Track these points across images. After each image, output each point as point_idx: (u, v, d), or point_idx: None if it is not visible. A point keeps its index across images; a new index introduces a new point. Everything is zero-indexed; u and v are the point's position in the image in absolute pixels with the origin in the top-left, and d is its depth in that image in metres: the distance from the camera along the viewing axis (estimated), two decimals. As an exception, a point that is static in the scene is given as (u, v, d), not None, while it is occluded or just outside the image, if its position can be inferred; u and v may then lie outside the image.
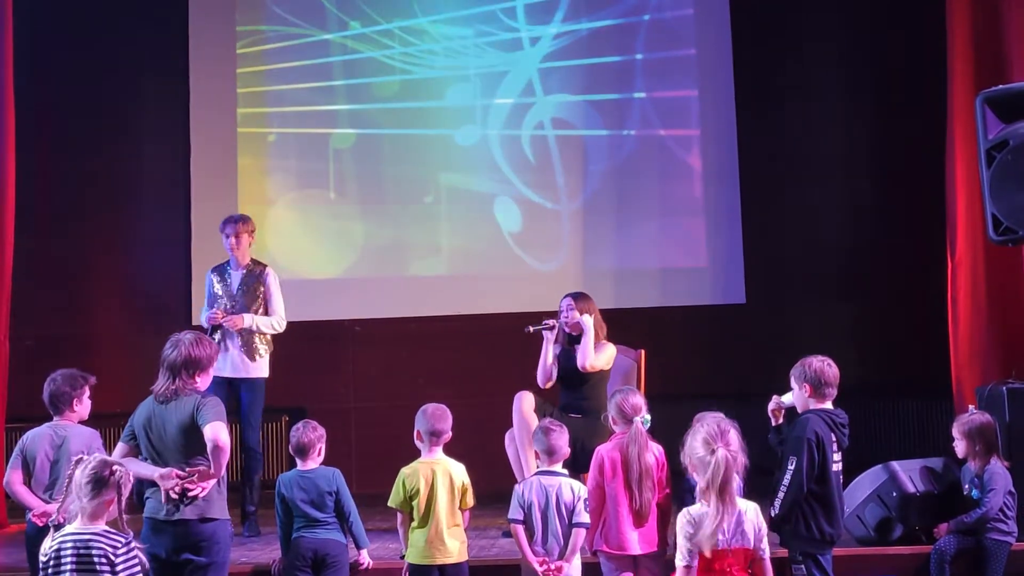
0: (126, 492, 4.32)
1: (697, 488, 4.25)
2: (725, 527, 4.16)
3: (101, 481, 4.23)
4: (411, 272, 9.77)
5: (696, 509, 4.23)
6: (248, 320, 7.33)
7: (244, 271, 7.45)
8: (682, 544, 4.19)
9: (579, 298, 6.96)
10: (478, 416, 7.34)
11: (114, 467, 4.29)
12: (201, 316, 7.46)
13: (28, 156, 9.46)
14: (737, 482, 4.24)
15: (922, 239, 8.69)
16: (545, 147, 9.73)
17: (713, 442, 4.17)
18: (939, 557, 5.75)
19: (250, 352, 7.33)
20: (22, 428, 5.81)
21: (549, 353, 6.93)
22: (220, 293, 7.42)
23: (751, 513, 4.26)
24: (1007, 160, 6.31)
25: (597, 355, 6.80)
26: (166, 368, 5.10)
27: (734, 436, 4.25)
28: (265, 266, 7.56)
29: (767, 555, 4.26)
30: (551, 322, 6.92)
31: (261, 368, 7.39)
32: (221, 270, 7.51)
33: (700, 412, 5.48)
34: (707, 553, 4.14)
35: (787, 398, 5.46)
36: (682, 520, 4.22)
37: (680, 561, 4.19)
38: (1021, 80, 6.95)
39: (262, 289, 7.45)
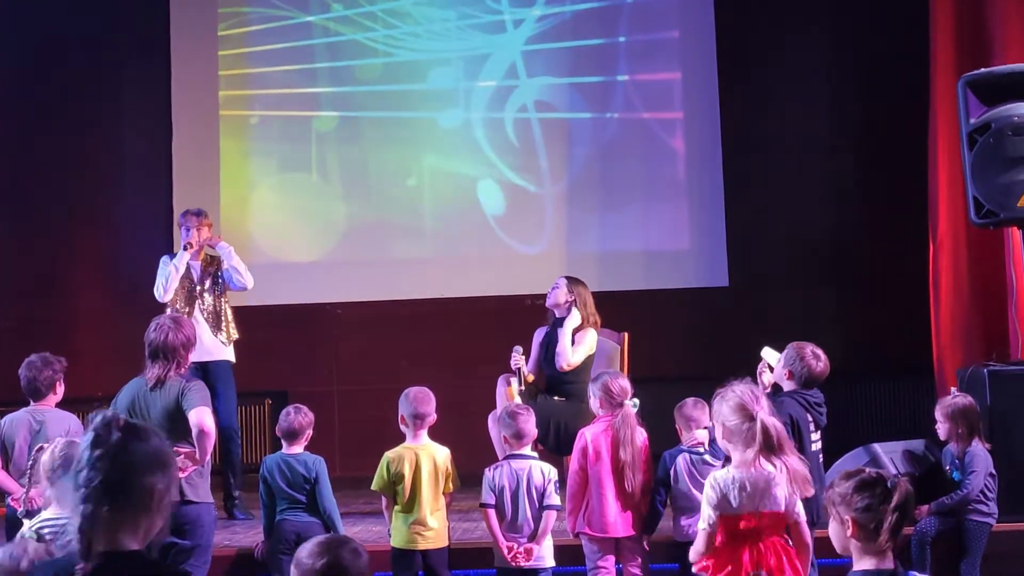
0: None
1: (733, 454, 4.27)
2: (751, 488, 4.19)
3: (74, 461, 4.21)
4: (394, 255, 9.74)
5: (722, 474, 4.26)
6: (226, 245, 7.31)
7: (201, 262, 7.39)
8: (705, 508, 4.22)
9: (571, 281, 6.99)
10: (462, 399, 7.36)
11: None
12: (156, 289, 7.28)
13: (7, 138, 9.43)
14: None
15: (904, 222, 8.71)
16: (528, 130, 9.71)
17: (750, 407, 4.22)
18: (920, 538, 5.78)
19: (222, 335, 7.30)
20: (3, 412, 5.79)
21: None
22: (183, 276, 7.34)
23: (780, 477, 4.28)
24: (989, 143, 6.34)
25: (576, 349, 6.81)
26: (153, 352, 5.11)
27: (766, 401, 4.32)
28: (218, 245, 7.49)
29: (803, 519, 4.30)
30: (517, 361, 6.89)
31: (231, 352, 7.36)
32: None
33: (686, 396, 5.57)
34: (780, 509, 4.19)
35: (770, 355, 5.52)
36: (708, 484, 4.26)
37: (702, 524, 4.23)
38: (1003, 64, 6.97)
39: (223, 264, 7.38)
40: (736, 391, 4.28)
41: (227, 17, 9.91)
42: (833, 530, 3.28)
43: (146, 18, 9.85)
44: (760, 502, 4.19)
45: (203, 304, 7.30)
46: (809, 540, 4.34)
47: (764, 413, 4.23)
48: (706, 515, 4.22)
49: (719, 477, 4.25)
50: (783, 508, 4.26)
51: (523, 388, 6.81)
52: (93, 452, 2.50)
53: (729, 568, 4.17)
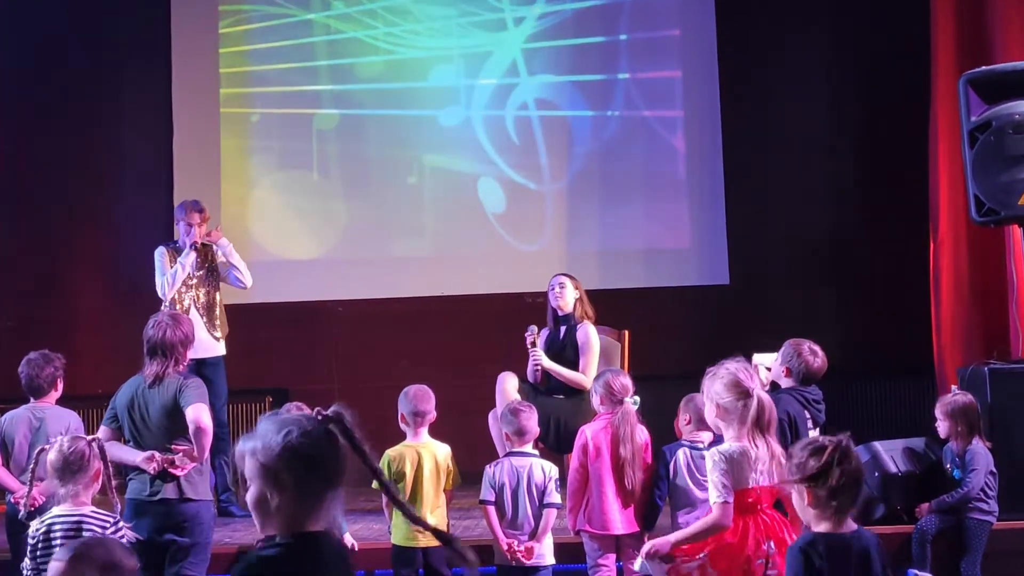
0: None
1: (727, 432, 4.23)
2: (762, 466, 4.16)
3: (82, 456, 4.22)
4: (394, 253, 9.74)
5: (726, 447, 4.20)
6: (226, 242, 7.33)
7: (197, 253, 7.40)
8: (717, 481, 4.14)
9: (572, 279, 6.97)
10: (462, 396, 7.35)
11: (89, 439, 4.30)
12: (161, 287, 7.33)
13: (8, 138, 9.43)
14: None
15: (905, 221, 8.70)
16: (529, 128, 9.71)
17: (746, 384, 4.18)
18: (920, 536, 5.79)
19: (213, 330, 7.29)
20: (3, 410, 5.79)
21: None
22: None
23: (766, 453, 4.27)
24: (990, 141, 6.34)
25: (587, 365, 6.73)
26: (151, 349, 5.10)
27: (758, 378, 4.29)
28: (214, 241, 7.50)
29: None
30: (532, 335, 6.86)
31: (223, 346, 7.36)
32: (176, 249, 7.38)
33: (686, 395, 5.56)
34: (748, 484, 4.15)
35: (764, 358, 5.51)
36: (713, 458, 4.19)
37: (717, 498, 4.14)
38: (1004, 62, 6.97)
39: (217, 257, 7.40)
40: (730, 368, 4.23)
41: (228, 15, 9.91)
42: (795, 501, 3.41)
43: (146, 17, 9.84)
44: (759, 476, 4.17)
45: (197, 298, 7.28)
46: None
47: (760, 390, 4.21)
48: (720, 486, 4.12)
49: (723, 451, 4.18)
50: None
51: (537, 359, 6.77)
52: (335, 451, 2.74)
53: (737, 539, 4.14)
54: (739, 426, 4.18)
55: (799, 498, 3.37)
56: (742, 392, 4.17)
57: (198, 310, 7.25)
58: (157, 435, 5.00)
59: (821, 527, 3.34)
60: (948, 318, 7.80)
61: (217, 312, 7.35)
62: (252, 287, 7.55)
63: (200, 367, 7.03)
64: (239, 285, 7.42)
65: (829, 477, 3.30)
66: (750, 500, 4.16)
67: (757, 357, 5.62)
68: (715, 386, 4.24)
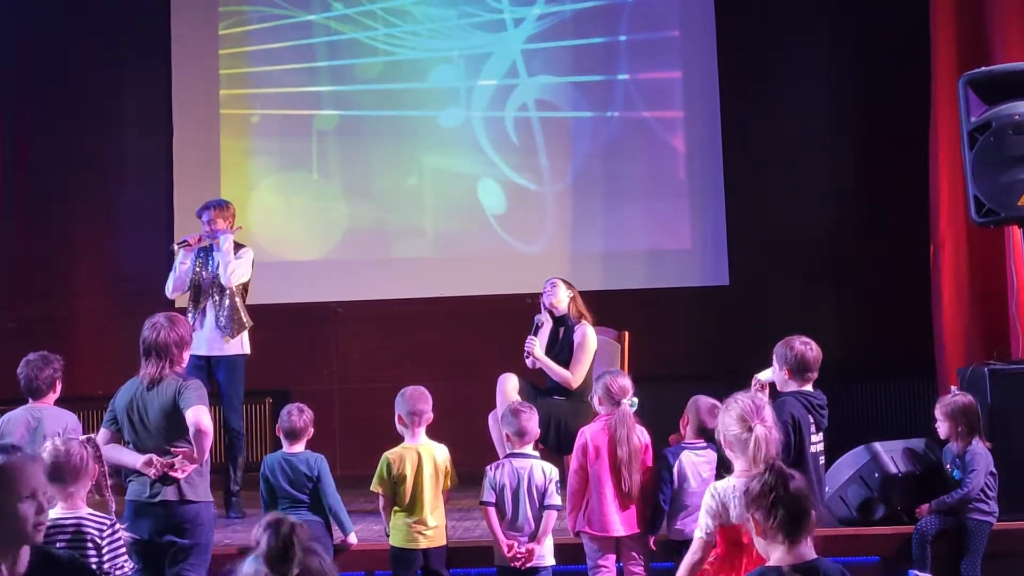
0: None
1: (736, 464, 4.28)
2: None
3: (79, 458, 4.21)
4: (394, 254, 9.74)
5: (722, 484, 4.25)
6: (224, 239, 7.18)
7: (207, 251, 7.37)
8: (703, 517, 4.22)
9: (565, 282, 6.97)
10: (462, 398, 7.36)
11: (83, 439, 4.29)
12: (169, 286, 7.34)
13: (8, 139, 9.42)
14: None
15: (905, 221, 8.70)
16: (529, 129, 9.71)
17: (749, 419, 4.22)
18: (921, 537, 5.78)
19: (226, 330, 7.14)
20: (3, 411, 5.79)
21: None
22: (198, 269, 7.30)
23: None
24: (989, 142, 6.34)
25: (577, 364, 6.72)
26: (147, 350, 5.09)
27: (768, 412, 4.31)
28: (243, 246, 7.41)
29: None
30: (540, 323, 6.88)
31: (239, 345, 7.20)
32: (205, 249, 7.37)
33: (694, 395, 5.56)
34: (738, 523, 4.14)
35: (765, 375, 5.50)
36: (709, 493, 4.26)
37: (699, 532, 4.23)
38: (1004, 62, 6.97)
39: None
40: (739, 402, 4.29)
41: (227, 16, 9.91)
42: (755, 540, 3.33)
43: (146, 18, 9.83)
44: None
45: (214, 297, 7.22)
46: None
47: (762, 426, 4.22)
48: (704, 524, 4.22)
49: (719, 487, 4.25)
50: None
51: (531, 346, 6.77)
52: None
53: None
54: (743, 458, 4.21)
55: (752, 532, 3.30)
56: (746, 426, 4.21)
57: (214, 308, 7.20)
58: (157, 437, 4.99)
59: (774, 557, 3.23)
60: (948, 318, 7.80)
61: (234, 312, 7.22)
62: (253, 288, 7.50)
63: (210, 368, 7.03)
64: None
65: (765, 501, 3.22)
66: (742, 537, 4.16)
67: (760, 376, 5.59)
68: (725, 418, 4.30)
